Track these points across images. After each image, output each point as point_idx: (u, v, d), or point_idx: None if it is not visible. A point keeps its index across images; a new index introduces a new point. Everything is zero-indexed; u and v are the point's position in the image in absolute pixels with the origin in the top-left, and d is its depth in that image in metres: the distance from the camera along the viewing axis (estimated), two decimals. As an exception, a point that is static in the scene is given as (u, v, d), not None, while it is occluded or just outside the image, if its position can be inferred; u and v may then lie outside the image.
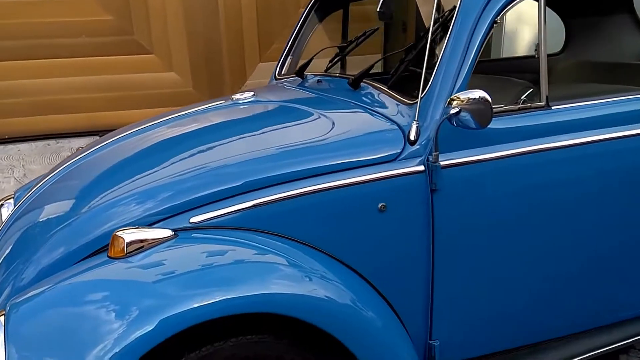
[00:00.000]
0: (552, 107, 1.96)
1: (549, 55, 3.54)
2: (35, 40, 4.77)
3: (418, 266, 1.85)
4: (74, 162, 2.23)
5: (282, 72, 2.82)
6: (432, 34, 1.84)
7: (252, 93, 2.30)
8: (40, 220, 1.93)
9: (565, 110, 1.97)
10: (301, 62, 2.73)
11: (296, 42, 2.83)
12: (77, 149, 2.52)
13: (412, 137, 1.79)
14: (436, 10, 1.85)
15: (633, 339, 2.24)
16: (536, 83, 3.29)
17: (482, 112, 1.67)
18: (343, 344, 1.63)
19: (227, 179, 1.70)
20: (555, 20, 3.55)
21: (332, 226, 1.75)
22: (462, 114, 1.69)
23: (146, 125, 2.22)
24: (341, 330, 1.63)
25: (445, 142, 1.79)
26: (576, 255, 2.03)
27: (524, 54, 4.94)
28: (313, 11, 2.83)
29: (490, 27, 1.85)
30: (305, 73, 2.56)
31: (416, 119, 1.80)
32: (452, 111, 1.68)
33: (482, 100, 1.66)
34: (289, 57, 2.83)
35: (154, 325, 1.38)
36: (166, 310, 1.41)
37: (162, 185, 1.72)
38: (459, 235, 1.86)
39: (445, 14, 1.97)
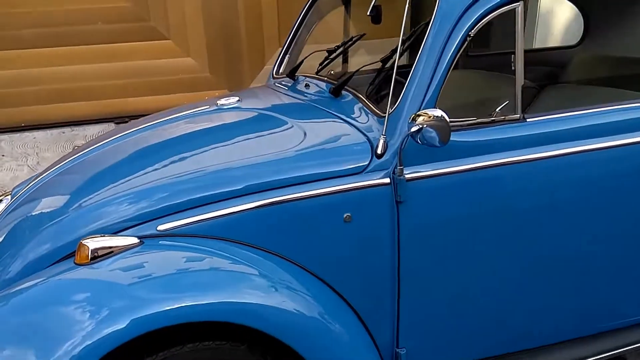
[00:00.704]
0: (527, 120, 2.06)
1: (566, 48, 3.63)
2: (52, 29, 5.03)
3: (384, 275, 2.00)
4: (69, 161, 2.45)
5: (280, 71, 2.97)
6: (402, 49, 1.96)
7: (237, 98, 2.47)
8: (32, 214, 2.15)
9: (540, 123, 2.07)
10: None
11: (294, 41, 2.97)
12: (74, 147, 2.75)
13: (379, 151, 1.94)
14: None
15: (622, 350, 2.33)
16: (553, 76, 3.39)
17: (441, 130, 1.79)
18: None
19: (195, 189, 1.87)
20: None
21: (298, 236, 1.91)
22: (424, 130, 1.81)
23: (131, 130, 2.42)
24: (307, 347, 1.81)
25: (416, 155, 1.93)
26: (546, 266, 2.14)
27: (557, 44, 4.96)
28: (312, 9, 2.96)
29: (464, 41, 1.96)
30: (297, 74, 2.71)
31: (383, 134, 1.94)
32: (413, 129, 1.81)
33: (440, 118, 1.78)
34: (287, 56, 2.97)
35: (125, 323, 1.56)
36: (137, 311, 1.60)
37: (132, 193, 1.91)
38: (425, 246, 2.00)
39: (420, 27, 2.09)
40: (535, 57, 3.85)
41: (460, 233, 2.03)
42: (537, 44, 5.64)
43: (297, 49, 2.99)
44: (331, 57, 2.57)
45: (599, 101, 2.23)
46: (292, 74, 2.70)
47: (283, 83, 2.78)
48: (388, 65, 2.23)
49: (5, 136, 5.17)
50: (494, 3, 1.97)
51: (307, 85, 2.54)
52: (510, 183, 2.03)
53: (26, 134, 5.26)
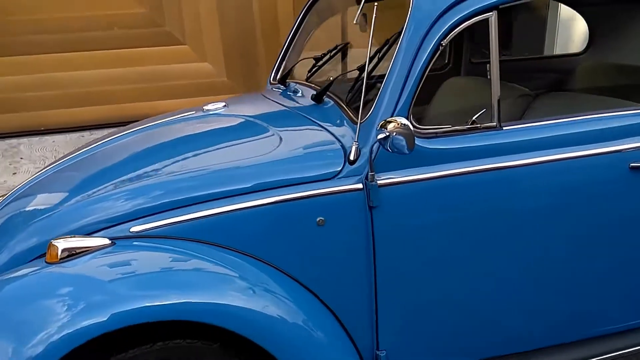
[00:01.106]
0: (504, 128, 2.10)
1: (572, 55, 3.66)
2: (70, 34, 5.20)
3: (360, 277, 2.07)
4: (64, 161, 2.59)
5: (277, 78, 3.06)
6: (370, 59, 2.03)
7: (223, 104, 2.57)
8: (24, 209, 2.26)
9: (516, 131, 2.11)
10: (299, 67, 2.98)
11: (291, 48, 3.06)
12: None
13: (351, 157, 2.01)
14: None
15: (609, 355, 2.35)
16: (559, 83, 3.42)
17: (407, 137, 1.85)
18: None
19: (169, 193, 1.97)
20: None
21: (273, 239, 2.00)
22: (394, 138, 1.87)
23: (122, 133, 2.54)
24: (289, 353, 1.91)
25: (393, 161, 1.99)
26: (522, 270, 2.19)
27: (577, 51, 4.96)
28: (308, 15, 3.05)
29: (436, 49, 2.01)
30: (288, 81, 2.80)
31: (356, 140, 2.02)
32: (380, 136, 1.87)
33: (405, 126, 1.84)
34: (284, 62, 3.06)
35: (106, 317, 1.67)
36: (116, 306, 1.70)
37: (110, 195, 2.02)
38: (400, 250, 2.07)
39: (394, 35, 2.15)
40: (542, 64, 3.89)
41: (434, 238, 2.09)
42: (558, 50, 5.64)
43: (294, 55, 3.08)
44: (318, 64, 2.65)
45: (591, 109, 2.26)
46: (283, 80, 2.79)
47: (276, 89, 2.87)
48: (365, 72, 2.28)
49: (25, 140, 5.35)
50: (466, 12, 2.02)
51: (295, 92, 2.63)
52: (483, 190, 2.08)
53: (45, 137, 5.43)
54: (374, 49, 2.32)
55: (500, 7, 2.05)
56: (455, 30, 2.03)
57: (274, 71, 3.10)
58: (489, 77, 2.12)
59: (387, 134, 1.86)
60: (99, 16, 5.20)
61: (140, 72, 5.53)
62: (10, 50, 5.06)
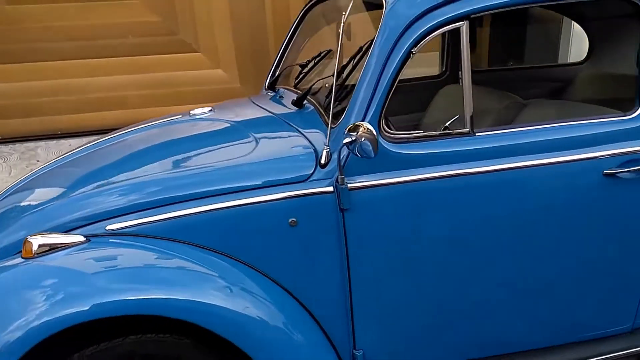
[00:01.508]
0: (477, 134, 2.15)
1: (573, 64, 3.67)
2: (85, 42, 5.35)
3: (334, 278, 2.14)
4: (59, 159, 2.71)
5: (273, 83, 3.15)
6: (339, 65, 2.10)
7: (209, 109, 2.66)
8: (19, 203, 2.36)
9: (488, 138, 2.16)
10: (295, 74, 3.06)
11: (286, 55, 3.14)
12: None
13: (322, 161, 2.08)
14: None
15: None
16: (559, 92, 3.44)
17: (372, 142, 1.91)
18: None
19: (146, 193, 2.06)
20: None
21: (247, 239, 2.07)
22: (362, 143, 1.92)
23: (111, 136, 2.65)
24: (266, 354, 2.00)
25: (363, 164, 2.06)
26: (493, 273, 2.24)
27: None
28: (303, 23, 3.13)
29: (406, 57, 2.06)
30: (277, 87, 2.89)
31: (327, 144, 2.08)
32: (346, 140, 1.93)
33: (368, 131, 1.90)
34: (279, 69, 3.15)
35: (88, 306, 1.77)
36: (97, 297, 1.80)
37: (89, 195, 2.12)
38: (373, 252, 2.13)
39: (367, 43, 2.21)
40: (544, 73, 3.91)
41: (406, 240, 2.14)
42: (571, 59, 5.64)
43: (288, 62, 3.16)
44: (304, 71, 2.72)
45: (577, 116, 2.30)
46: (272, 86, 2.88)
47: (267, 95, 2.96)
48: (340, 79, 2.34)
49: (42, 143, 5.52)
50: (437, 21, 2.06)
51: (280, 97, 2.71)
52: (454, 195, 2.13)
53: (62, 141, 5.59)
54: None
55: (472, 16, 2.09)
56: (427, 38, 2.07)
57: (269, 77, 3.18)
58: (460, 83, 2.16)
59: (354, 138, 1.92)
60: (113, 24, 5.35)
61: (155, 78, 5.67)
62: (26, 57, 5.24)
